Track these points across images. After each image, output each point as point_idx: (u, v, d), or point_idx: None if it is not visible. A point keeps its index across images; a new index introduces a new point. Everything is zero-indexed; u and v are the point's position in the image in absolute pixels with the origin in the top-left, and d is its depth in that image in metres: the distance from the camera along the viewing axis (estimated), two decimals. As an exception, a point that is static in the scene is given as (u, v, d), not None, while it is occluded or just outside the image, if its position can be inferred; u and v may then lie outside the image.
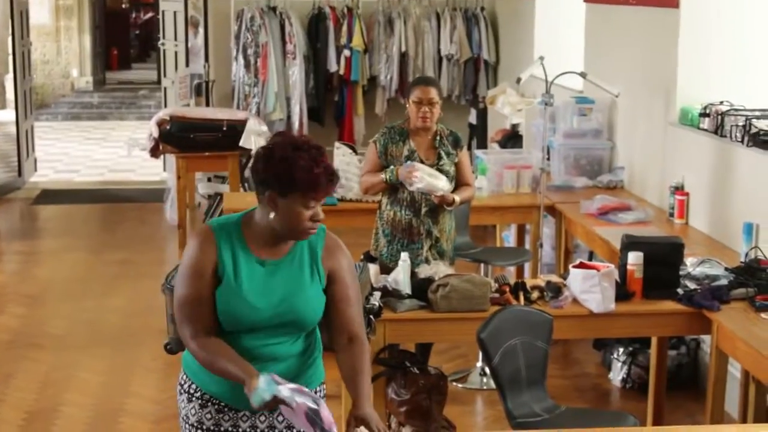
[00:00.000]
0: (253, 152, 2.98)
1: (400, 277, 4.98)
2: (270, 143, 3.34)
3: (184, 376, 3.52)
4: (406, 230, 5.68)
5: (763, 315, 4.79)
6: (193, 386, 3.47)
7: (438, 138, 5.74)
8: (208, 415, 3.44)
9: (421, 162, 5.62)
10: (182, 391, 3.51)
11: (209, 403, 3.44)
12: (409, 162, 5.58)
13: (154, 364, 6.74)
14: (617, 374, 6.47)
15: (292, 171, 3.22)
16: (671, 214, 6.66)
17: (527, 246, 7.67)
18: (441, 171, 5.61)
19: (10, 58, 13.71)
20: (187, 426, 3.49)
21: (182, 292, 3.35)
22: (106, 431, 5.86)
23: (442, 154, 5.70)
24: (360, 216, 6.85)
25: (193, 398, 3.46)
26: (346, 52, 11.43)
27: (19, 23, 12.94)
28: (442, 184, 5.55)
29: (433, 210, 5.68)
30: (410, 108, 5.68)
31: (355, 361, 3.44)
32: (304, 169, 3.22)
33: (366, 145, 5.99)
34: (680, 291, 5.04)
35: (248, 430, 3.46)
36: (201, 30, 12.45)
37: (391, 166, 5.65)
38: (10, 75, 14.13)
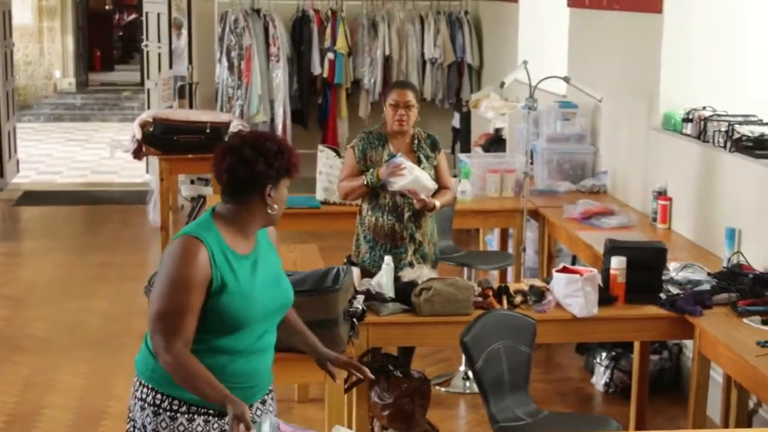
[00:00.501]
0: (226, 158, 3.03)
1: (384, 281, 4.98)
2: (246, 144, 3.37)
3: (159, 395, 3.37)
4: (389, 236, 5.64)
5: (745, 320, 4.81)
6: (176, 402, 3.36)
7: (416, 141, 5.71)
8: (199, 428, 3.36)
9: None
10: (160, 410, 3.36)
11: (196, 415, 3.36)
12: (393, 159, 5.53)
13: (137, 366, 6.71)
14: (600, 379, 6.48)
15: (288, 159, 3.41)
16: (654, 219, 6.68)
17: (510, 250, 7.68)
18: None
19: (-7, 58, 13.66)
20: None
21: (168, 305, 3.27)
22: (87, 434, 5.85)
23: (422, 157, 5.67)
24: (343, 219, 6.84)
25: (178, 414, 3.36)
26: (330, 55, 11.43)
27: (2, 24, 12.90)
28: (429, 181, 5.53)
29: (416, 214, 5.65)
30: (387, 111, 5.65)
31: (296, 318, 3.73)
32: (293, 153, 3.44)
33: (351, 148, 5.96)
34: (663, 296, 5.05)
35: None
36: (184, 32, 12.42)
37: (372, 169, 5.62)
38: (-7, 76, 14.08)
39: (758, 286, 5.08)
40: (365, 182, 5.60)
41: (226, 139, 3.54)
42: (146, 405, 3.38)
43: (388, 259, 5.09)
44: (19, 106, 17.29)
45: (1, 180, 12.79)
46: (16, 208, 11.81)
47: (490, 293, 4.99)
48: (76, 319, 7.81)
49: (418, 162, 5.62)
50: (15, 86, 14.04)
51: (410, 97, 5.61)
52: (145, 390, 3.40)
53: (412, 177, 5.43)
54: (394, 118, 5.60)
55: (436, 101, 11.77)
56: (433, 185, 5.56)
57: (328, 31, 11.43)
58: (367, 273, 5.38)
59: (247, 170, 3.33)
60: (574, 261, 7.01)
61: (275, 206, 3.40)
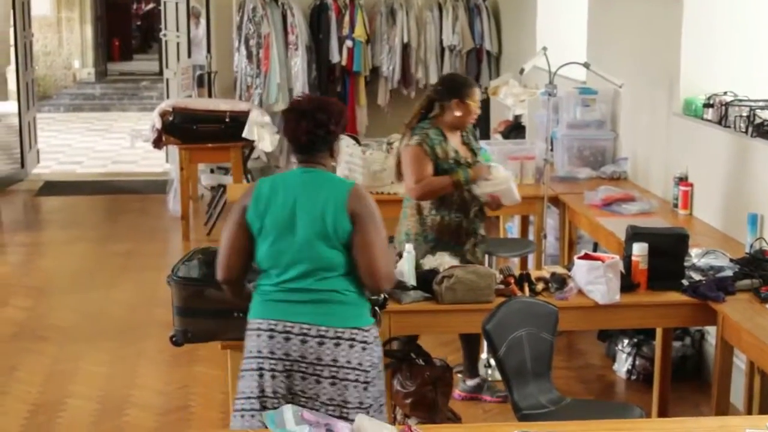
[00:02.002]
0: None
1: (405, 269, 4.97)
2: (316, 108, 3.95)
3: (363, 331, 3.95)
4: (454, 233, 5.58)
5: (768, 306, 4.79)
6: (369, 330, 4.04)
7: (464, 134, 5.69)
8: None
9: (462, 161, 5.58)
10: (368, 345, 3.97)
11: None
12: (493, 166, 5.53)
13: (160, 355, 6.75)
14: (622, 365, 6.47)
15: (346, 117, 4.10)
16: (675, 205, 6.65)
17: (531, 237, 7.67)
18: None
19: (12, 49, 13.70)
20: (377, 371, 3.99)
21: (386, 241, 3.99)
22: (112, 423, 5.86)
23: (474, 149, 5.66)
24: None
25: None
26: (349, 43, 11.43)
27: (21, 14, 12.94)
28: (517, 192, 5.58)
29: (481, 209, 5.65)
30: (463, 107, 5.51)
31: None
32: (345, 110, 4.11)
33: (370, 136, 5.95)
34: (685, 282, 5.03)
35: None
36: (203, 21, 12.44)
37: (461, 167, 5.51)
38: (12, 67, 14.12)
39: (781, 271, 5.06)
40: (459, 179, 5.49)
41: (291, 104, 4.12)
42: (367, 345, 3.93)
43: (409, 246, 5.07)
44: (39, 97, 17.34)
45: (21, 170, 12.85)
46: (37, 198, 11.86)
47: (512, 281, 4.98)
48: (98, 308, 7.84)
49: (474, 154, 5.63)
50: (34, 77, 14.09)
51: None
52: (361, 334, 3.94)
53: (506, 186, 5.48)
54: (472, 116, 5.58)
55: (455, 88, 11.73)
56: (519, 197, 5.59)
57: (347, 18, 11.42)
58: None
59: (324, 131, 3.94)
60: (595, 248, 6.99)
61: (338, 158, 4.13)
